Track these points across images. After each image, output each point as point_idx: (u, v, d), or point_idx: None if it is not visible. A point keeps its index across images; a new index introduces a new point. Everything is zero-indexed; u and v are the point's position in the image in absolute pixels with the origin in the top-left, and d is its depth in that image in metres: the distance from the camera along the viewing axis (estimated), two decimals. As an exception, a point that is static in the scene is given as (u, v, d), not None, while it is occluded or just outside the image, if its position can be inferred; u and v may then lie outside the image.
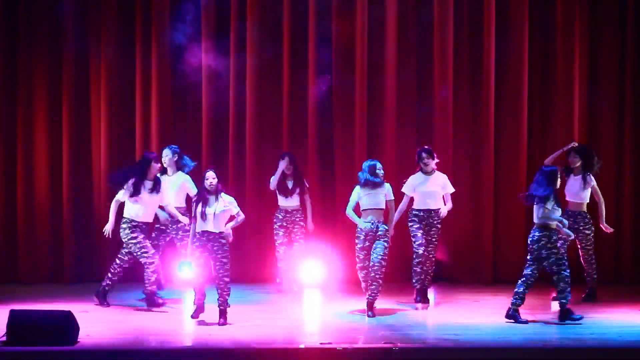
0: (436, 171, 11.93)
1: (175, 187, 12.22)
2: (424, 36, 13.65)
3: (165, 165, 12.23)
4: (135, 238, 11.61)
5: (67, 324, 9.64)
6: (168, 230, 12.25)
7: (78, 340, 9.71)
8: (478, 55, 13.57)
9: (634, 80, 13.61)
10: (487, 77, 13.49)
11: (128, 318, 11.15)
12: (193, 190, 12.03)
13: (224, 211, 10.83)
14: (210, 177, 10.84)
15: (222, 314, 10.76)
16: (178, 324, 10.99)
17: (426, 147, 12.03)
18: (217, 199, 10.84)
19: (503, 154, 13.64)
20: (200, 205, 10.81)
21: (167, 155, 12.27)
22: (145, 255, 11.62)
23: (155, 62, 13.52)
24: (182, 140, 13.51)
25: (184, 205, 12.22)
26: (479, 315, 11.32)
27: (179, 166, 12.31)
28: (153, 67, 13.53)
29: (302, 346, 9.71)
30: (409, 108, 13.67)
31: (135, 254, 11.67)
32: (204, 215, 10.77)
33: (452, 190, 11.97)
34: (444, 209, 11.85)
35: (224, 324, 10.69)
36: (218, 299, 10.80)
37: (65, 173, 13.49)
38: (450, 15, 13.51)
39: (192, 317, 10.96)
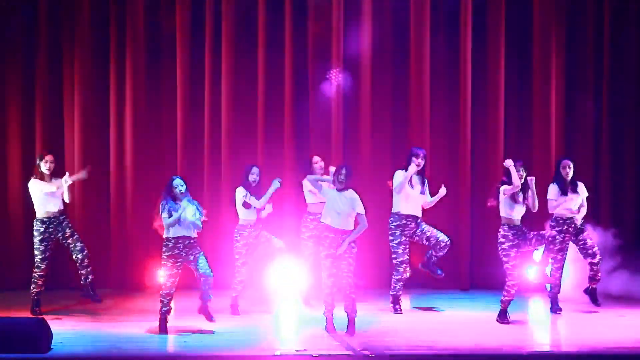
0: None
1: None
2: (401, 39, 13.67)
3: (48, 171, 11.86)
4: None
5: (40, 331, 9.55)
6: None
7: (51, 347, 9.63)
8: (454, 57, 13.61)
9: (611, 84, 13.67)
10: (463, 80, 13.54)
11: (102, 325, 11.06)
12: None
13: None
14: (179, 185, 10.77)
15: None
16: (153, 331, 10.90)
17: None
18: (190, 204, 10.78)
19: (480, 157, 13.66)
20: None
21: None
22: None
23: (130, 72, 13.50)
24: (157, 147, 13.57)
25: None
26: (456, 321, 11.30)
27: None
28: (127, 76, 13.51)
29: (277, 353, 9.67)
30: (384, 112, 13.68)
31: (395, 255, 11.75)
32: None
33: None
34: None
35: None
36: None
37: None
38: (427, 19, 13.53)
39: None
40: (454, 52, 13.63)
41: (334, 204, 10.48)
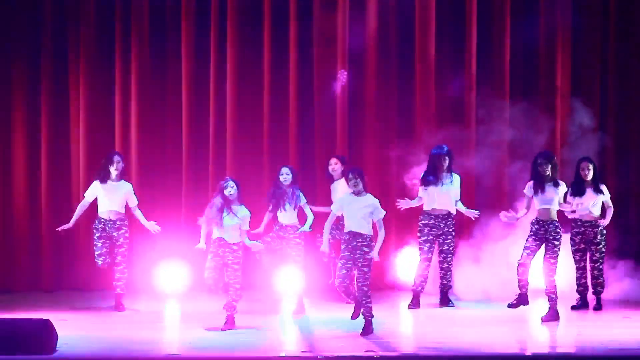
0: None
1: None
2: (406, 35, 13.71)
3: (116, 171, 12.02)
4: None
5: (46, 333, 9.54)
6: None
7: (57, 349, 9.63)
8: (459, 57, 13.66)
9: (618, 88, 13.75)
10: (468, 81, 13.61)
11: (108, 326, 11.08)
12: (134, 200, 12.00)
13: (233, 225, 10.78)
14: (229, 186, 10.81)
15: (227, 319, 10.79)
16: (158, 332, 10.92)
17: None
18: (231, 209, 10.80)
19: (484, 153, 13.63)
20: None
21: (118, 161, 12.07)
22: None
23: (135, 73, 13.51)
24: (161, 143, 13.57)
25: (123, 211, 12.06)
26: (461, 324, 11.30)
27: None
28: (132, 77, 13.52)
29: (282, 354, 9.68)
30: (389, 109, 13.72)
31: None
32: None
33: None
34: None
35: (227, 329, 10.70)
36: (225, 303, 10.83)
37: (44, 179, 13.43)
38: (432, 19, 13.60)
39: (222, 329, 10.83)
40: (459, 47, 13.68)
41: (350, 208, 10.47)
